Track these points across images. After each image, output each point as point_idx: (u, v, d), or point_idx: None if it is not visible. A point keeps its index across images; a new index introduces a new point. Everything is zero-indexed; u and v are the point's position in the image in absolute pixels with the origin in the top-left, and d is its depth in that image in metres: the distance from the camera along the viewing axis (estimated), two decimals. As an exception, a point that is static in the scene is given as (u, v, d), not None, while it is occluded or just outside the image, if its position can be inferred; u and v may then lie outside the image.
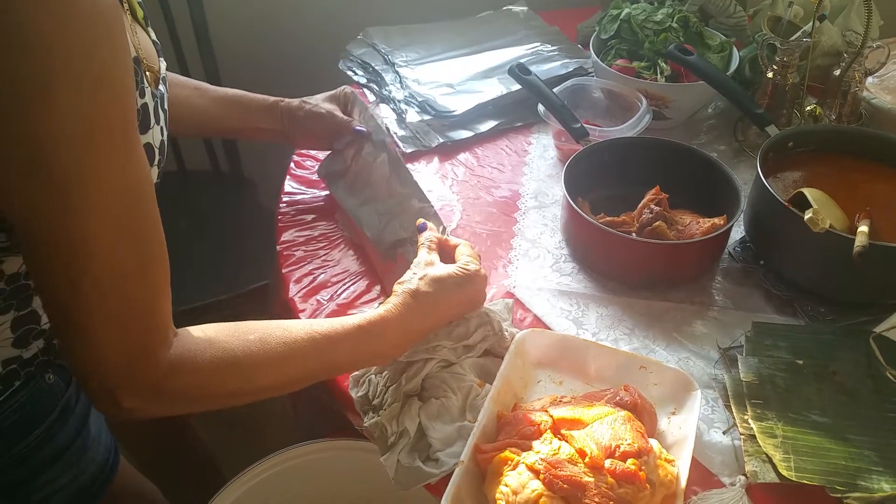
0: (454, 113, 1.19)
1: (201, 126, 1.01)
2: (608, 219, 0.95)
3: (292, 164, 1.16)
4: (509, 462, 0.68)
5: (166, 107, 0.71)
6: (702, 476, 0.73)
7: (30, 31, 0.47)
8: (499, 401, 0.76)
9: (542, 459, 0.67)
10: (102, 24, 0.50)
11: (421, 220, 0.86)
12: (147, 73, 0.66)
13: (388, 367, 0.81)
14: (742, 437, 0.72)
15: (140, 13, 0.68)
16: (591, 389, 0.79)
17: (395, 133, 1.18)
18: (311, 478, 0.90)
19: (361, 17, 1.46)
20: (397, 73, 1.29)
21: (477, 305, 0.81)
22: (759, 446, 0.70)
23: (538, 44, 1.36)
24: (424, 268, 0.77)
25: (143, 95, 0.63)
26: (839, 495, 0.66)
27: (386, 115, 1.22)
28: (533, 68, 1.16)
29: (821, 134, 0.96)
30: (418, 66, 1.30)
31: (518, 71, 1.11)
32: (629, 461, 0.66)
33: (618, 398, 0.75)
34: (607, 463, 0.66)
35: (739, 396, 0.76)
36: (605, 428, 0.69)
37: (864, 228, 0.79)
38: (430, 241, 0.81)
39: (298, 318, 0.90)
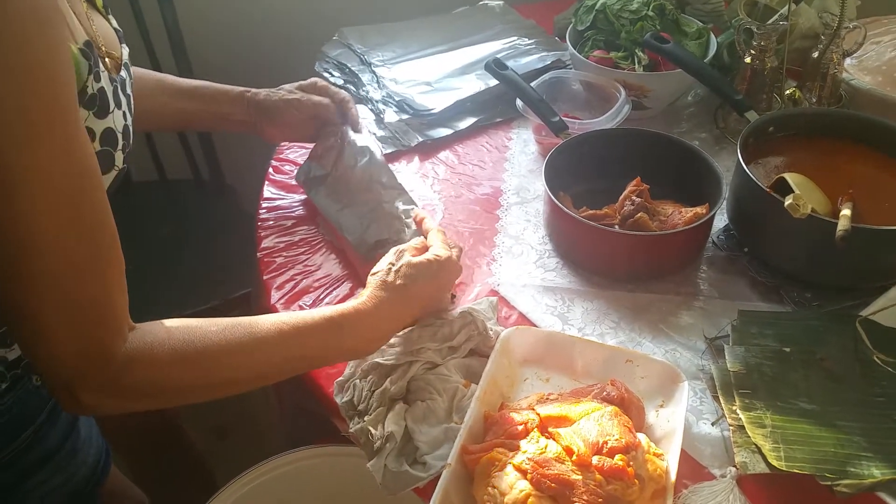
0: (433, 111, 1.18)
1: (165, 119, 0.99)
2: (590, 212, 0.94)
3: (270, 170, 1.15)
4: (496, 463, 0.67)
5: (129, 91, 0.70)
6: (692, 469, 0.72)
7: None
8: (485, 401, 0.76)
9: (529, 459, 0.66)
10: (31, 16, 0.49)
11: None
12: (106, 59, 0.66)
13: (372, 372, 0.80)
14: (731, 427, 0.72)
15: (99, 1, 0.68)
16: (579, 385, 0.79)
17: (374, 133, 1.17)
18: (302, 484, 0.89)
19: (336, 18, 1.45)
20: (374, 72, 1.28)
21: (446, 292, 0.81)
22: (748, 437, 0.70)
23: (515, 38, 1.35)
24: (397, 257, 0.77)
25: (98, 80, 0.62)
26: (829, 483, 0.65)
27: (364, 115, 1.21)
28: (510, 63, 1.15)
29: (801, 117, 0.96)
30: (395, 65, 1.29)
31: (495, 66, 1.11)
32: (617, 457, 0.65)
33: (605, 393, 0.74)
34: (595, 460, 0.65)
35: (727, 386, 0.75)
36: (593, 424, 0.69)
37: (846, 212, 0.78)
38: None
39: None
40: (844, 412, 0.72)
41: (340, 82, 1.29)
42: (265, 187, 1.11)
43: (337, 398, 0.80)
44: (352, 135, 1.01)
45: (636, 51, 1.16)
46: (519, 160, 1.14)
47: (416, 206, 0.93)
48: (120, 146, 0.66)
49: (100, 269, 0.57)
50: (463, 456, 0.70)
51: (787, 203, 0.77)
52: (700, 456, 0.73)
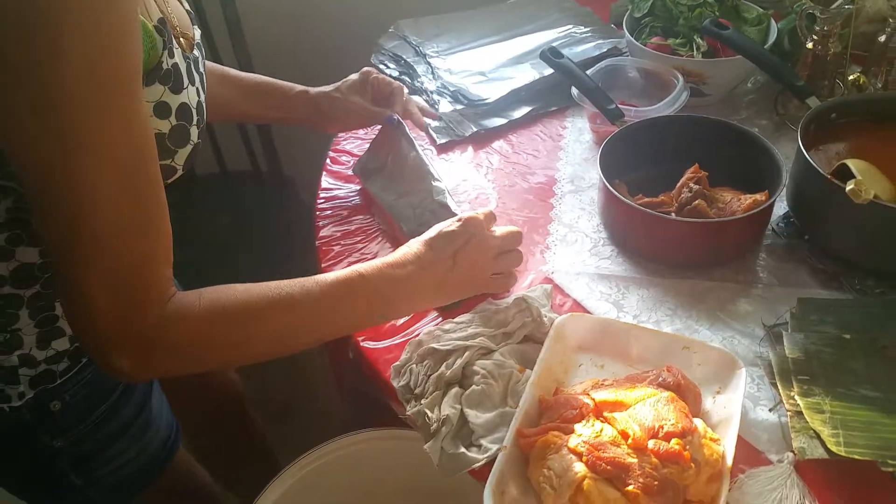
0: (487, 101, 1.20)
1: (226, 114, 1.04)
2: (646, 200, 0.95)
3: (328, 161, 1.18)
4: (552, 445, 0.69)
5: (202, 70, 0.74)
6: (748, 454, 0.73)
7: None
8: (540, 386, 0.78)
9: (584, 442, 0.68)
10: None
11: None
12: (180, 38, 0.70)
13: (428, 357, 0.83)
14: (789, 413, 0.72)
15: None
16: (633, 372, 0.80)
17: (429, 124, 1.19)
18: (360, 466, 0.93)
19: (393, 10, 1.48)
20: (429, 63, 1.30)
21: (482, 254, 0.80)
22: (807, 422, 0.70)
23: (571, 26, 1.35)
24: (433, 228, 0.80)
25: (172, 56, 0.65)
26: (892, 469, 0.65)
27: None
28: (566, 51, 1.16)
29: (865, 104, 0.94)
30: (450, 56, 1.31)
31: (550, 55, 1.12)
32: (673, 441, 0.66)
33: (660, 379, 0.75)
34: (651, 443, 0.66)
35: (785, 373, 0.75)
36: (648, 409, 0.70)
37: (909, 197, 0.77)
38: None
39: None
40: (908, 401, 0.71)
41: (396, 74, 1.32)
42: (323, 177, 1.15)
43: (394, 382, 0.83)
44: (406, 127, 1.04)
45: (694, 37, 1.16)
46: (573, 149, 1.15)
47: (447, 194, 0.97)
48: (195, 121, 0.70)
49: (148, 235, 0.60)
50: (518, 439, 0.72)
51: (848, 188, 0.76)
52: (757, 441, 0.74)
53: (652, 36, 1.21)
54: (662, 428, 0.68)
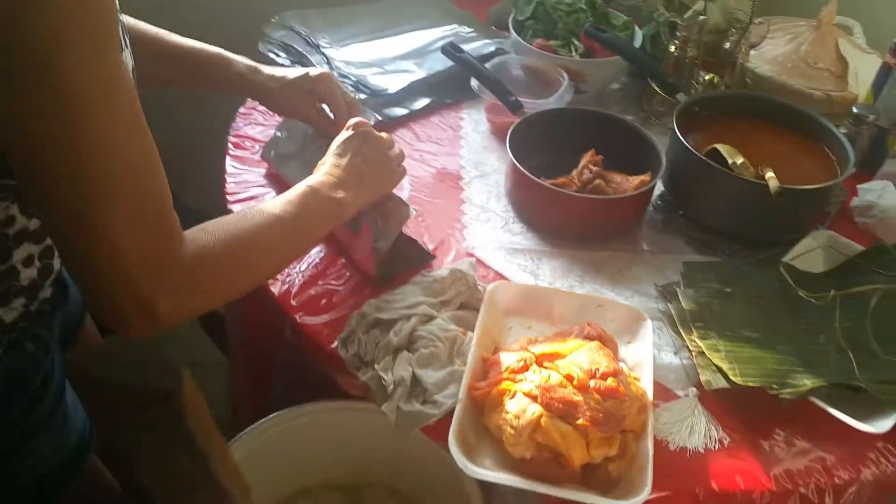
0: (388, 91, 1.25)
1: (156, 78, 0.98)
2: (550, 181, 1.06)
3: (230, 146, 1.18)
4: (507, 392, 0.77)
5: (128, 35, 0.73)
6: (660, 392, 0.85)
7: None
8: (481, 346, 0.85)
9: (537, 386, 0.76)
10: None
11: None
12: None
13: (374, 327, 0.87)
14: (692, 353, 0.86)
15: None
16: (558, 329, 0.90)
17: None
18: (306, 438, 0.95)
19: (271, 4, 1.48)
20: (323, 54, 1.33)
21: (383, 147, 0.90)
22: (709, 360, 0.84)
23: (455, 26, 1.44)
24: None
25: None
26: (776, 392, 0.80)
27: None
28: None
29: (722, 99, 1.13)
30: (343, 48, 1.35)
31: (451, 49, 1.20)
32: (609, 380, 0.77)
33: (584, 333, 0.86)
34: (592, 383, 0.76)
35: (685, 322, 0.89)
36: (583, 355, 0.80)
37: (771, 174, 0.95)
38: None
39: (272, 296, 0.93)
40: (779, 338, 0.88)
41: (288, 63, 1.33)
42: (227, 162, 1.14)
43: (342, 352, 0.87)
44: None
45: (573, 40, 1.30)
46: (472, 138, 1.24)
47: None
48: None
49: (158, 178, 0.61)
50: (471, 392, 0.80)
51: (739, 162, 0.92)
52: (665, 381, 0.87)
53: (535, 38, 1.33)
54: (598, 370, 0.78)
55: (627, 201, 1.02)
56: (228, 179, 1.12)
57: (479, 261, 1.01)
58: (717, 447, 0.80)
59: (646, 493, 0.71)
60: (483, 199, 1.11)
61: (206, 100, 1.16)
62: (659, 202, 1.10)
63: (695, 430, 0.81)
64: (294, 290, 0.94)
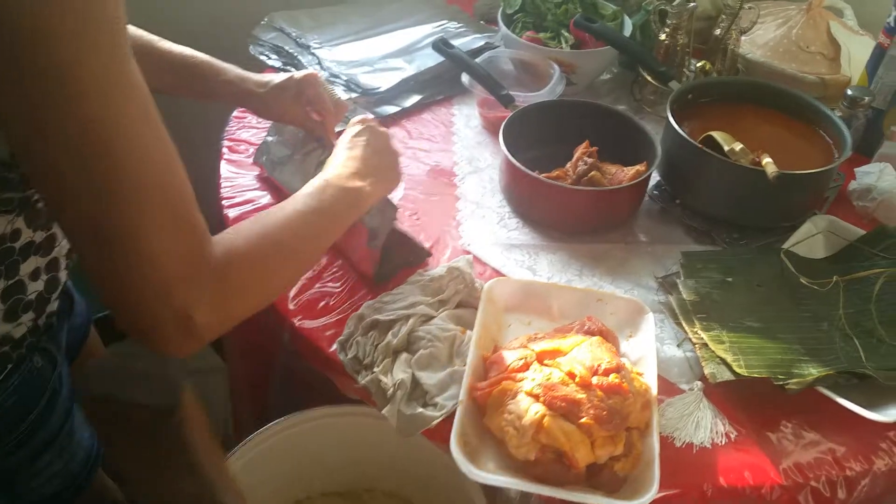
0: (380, 89, 1.21)
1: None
2: (545, 174, 1.02)
3: (225, 150, 1.14)
4: (509, 392, 0.74)
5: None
6: (664, 386, 0.82)
7: None
8: (481, 345, 0.82)
9: (538, 385, 0.73)
10: None
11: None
12: None
13: (373, 329, 0.84)
14: (695, 345, 0.82)
15: None
16: (558, 325, 0.86)
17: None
18: (301, 448, 0.91)
19: (258, 8, 1.43)
20: (314, 54, 1.29)
21: (387, 141, 0.87)
22: (713, 352, 0.80)
23: (444, 21, 1.40)
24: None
25: None
26: (782, 383, 0.77)
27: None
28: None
29: (716, 85, 1.09)
30: (334, 47, 1.31)
31: (442, 45, 1.16)
32: (612, 376, 0.73)
33: (585, 328, 0.82)
34: (594, 380, 0.73)
35: (687, 313, 0.86)
36: (585, 351, 0.76)
37: (768, 159, 0.91)
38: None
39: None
40: (782, 327, 0.84)
41: (279, 65, 1.30)
42: (222, 166, 1.11)
43: (341, 356, 0.83)
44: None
45: (562, 31, 1.26)
46: (465, 133, 1.20)
47: None
48: None
49: (181, 178, 0.56)
50: (472, 393, 0.76)
51: (738, 148, 0.88)
52: (669, 375, 0.83)
53: (524, 31, 1.29)
54: (601, 366, 0.74)
55: (623, 192, 0.98)
56: (223, 184, 1.08)
57: (475, 257, 0.97)
58: (723, 441, 0.76)
59: (653, 492, 0.68)
60: (478, 194, 1.08)
61: (200, 103, 1.12)
62: (655, 192, 1.07)
63: (701, 424, 0.77)
64: (291, 293, 0.91)
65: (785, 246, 0.93)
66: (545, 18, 1.27)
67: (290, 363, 0.92)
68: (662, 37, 1.18)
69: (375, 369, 0.80)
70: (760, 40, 1.25)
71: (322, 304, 0.90)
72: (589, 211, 1.00)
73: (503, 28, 1.26)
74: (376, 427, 0.80)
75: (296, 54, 1.30)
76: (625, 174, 1.01)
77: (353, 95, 1.21)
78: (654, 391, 0.77)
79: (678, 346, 0.85)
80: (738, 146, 0.92)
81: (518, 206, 1.04)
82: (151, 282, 0.54)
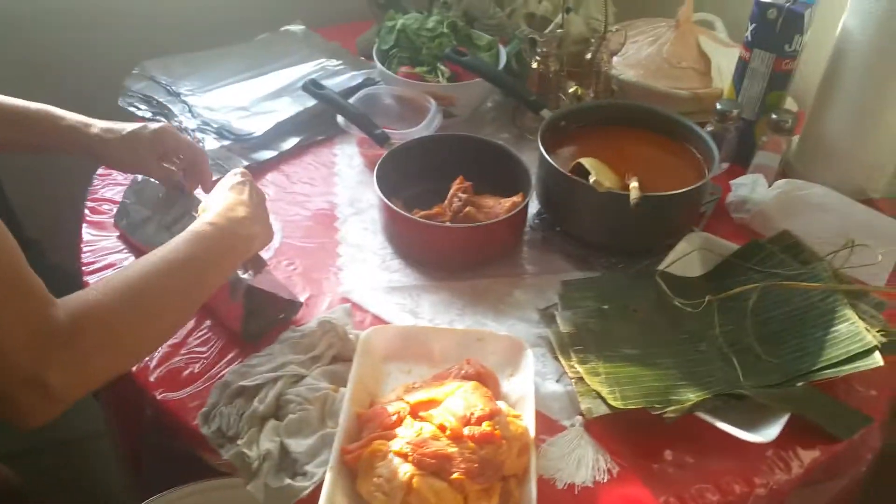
0: (254, 134, 1.16)
1: None
2: (423, 213, 0.98)
3: (87, 211, 1.06)
4: (378, 454, 0.69)
5: None
6: (545, 424, 0.79)
7: None
8: (355, 401, 0.77)
9: (408, 443, 0.69)
10: None
11: None
12: None
13: (237, 397, 0.78)
14: (572, 380, 0.80)
15: None
16: (438, 371, 0.82)
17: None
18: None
19: (134, 50, 1.36)
20: (185, 102, 1.23)
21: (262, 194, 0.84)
22: (588, 386, 0.77)
23: (323, 59, 1.36)
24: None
25: None
26: (659, 412, 0.75)
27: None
28: (325, 82, 1.17)
29: (586, 110, 1.08)
30: (206, 94, 1.25)
31: (312, 86, 1.12)
32: (484, 424, 0.70)
33: (462, 372, 0.78)
34: (466, 430, 0.69)
35: (563, 346, 0.83)
36: (458, 400, 0.73)
37: (634, 184, 0.90)
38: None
39: (129, 372, 0.83)
40: (659, 352, 0.82)
41: (149, 115, 1.23)
42: (84, 230, 1.03)
43: (203, 429, 0.77)
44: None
45: (438, 65, 1.23)
46: (347, 174, 1.16)
47: None
48: None
49: (9, 242, 0.55)
50: (343, 456, 0.71)
51: (591, 181, 0.86)
52: (550, 412, 0.80)
53: (400, 66, 1.26)
54: (473, 414, 0.71)
55: (499, 225, 0.96)
56: (84, 248, 1.00)
57: (354, 305, 0.92)
58: (605, 478, 0.73)
59: (532, 542, 0.64)
60: (359, 237, 1.03)
61: (64, 161, 1.04)
62: (537, 221, 1.05)
63: (582, 462, 0.74)
64: (153, 363, 0.84)
65: (660, 267, 0.91)
66: (420, 52, 1.25)
67: (157, 437, 0.85)
68: (535, 65, 1.17)
69: (240, 441, 0.74)
70: (633, 59, 1.25)
71: (187, 371, 0.83)
72: (467, 247, 0.97)
73: (378, 64, 1.23)
74: (251, 501, 0.74)
75: (166, 103, 1.23)
76: (502, 206, 0.98)
77: (226, 143, 1.16)
78: (533, 432, 0.74)
79: (557, 380, 0.83)
80: (593, 178, 0.90)
81: (398, 246, 1.01)
82: (2, 362, 0.53)
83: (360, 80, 1.29)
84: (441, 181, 1.03)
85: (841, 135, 1.10)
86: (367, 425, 0.74)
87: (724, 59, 1.28)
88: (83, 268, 0.97)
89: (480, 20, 1.34)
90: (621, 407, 0.75)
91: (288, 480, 0.72)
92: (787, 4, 1.06)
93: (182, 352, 0.85)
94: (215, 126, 1.17)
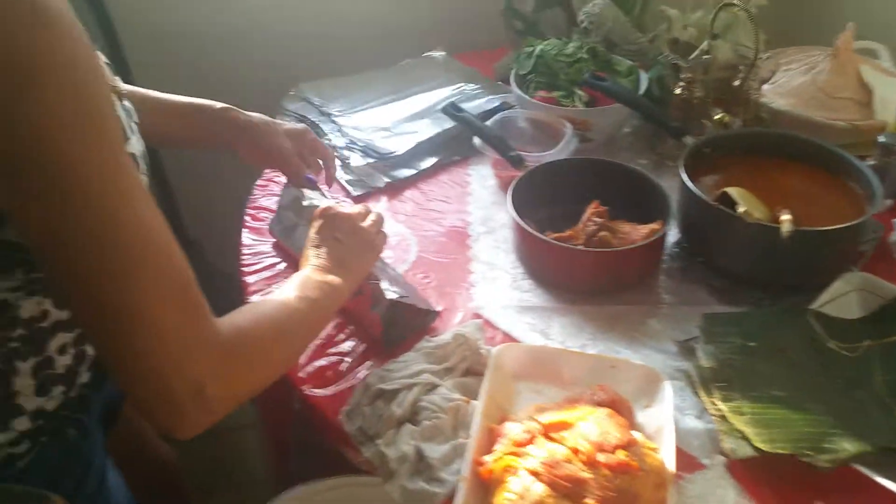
0: (396, 153, 1.20)
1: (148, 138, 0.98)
2: (556, 235, 0.97)
3: (247, 218, 1.13)
4: (510, 469, 0.68)
5: (136, 120, 0.71)
6: (683, 460, 0.74)
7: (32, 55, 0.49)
8: (487, 415, 0.76)
9: (541, 462, 0.67)
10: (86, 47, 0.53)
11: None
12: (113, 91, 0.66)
13: (377, 398, 0.79)
14: (714, 417, 0.75)
15: None
16: (569, 394, 0.80)
17: (342, 178, 1.18)
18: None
19: (292, 73, 1.45)
20: (334, 122, 1.29)
21: (355, 223, 0.84)
22: (732, 425, 0.72)
23: (461, 84, 1.39)
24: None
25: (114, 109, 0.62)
26: (810, 459, 0.68)
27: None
28: (463, 106, 1.18)
29: (732, 138, 1.03)
30: (354, 114, 1.31)
31: (452, 109, 1.14)
32: (619, 452, 0.67)
33: (595, 398, 0.76)
34: (601, 457, 0.66)
35: (705, 382, 0.78)
36: (592, 425, 0.70)
37: (787, 216, 0.84)
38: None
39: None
40: (811, 396, 0.76)
41: (302, 133, 1.30)
42: (244, 234, 1.09)
43: (346, 427, 0.79)
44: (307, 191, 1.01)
45: (575, 90, 1.22)
46: (480, 194, 1.17)
47: None
48: (141, 170, 0.66)
49: (181, 257, 0.58)
50: (476, 467, 0.70)
51: (740, 211, 0.81)
52: (689, 448, 0.76)
53: (537, 90, 1.25)
54: (608, 441, 0.68)
55: (636, 252, 0.92)
56: (244, 251, 1.07)
57: (486, 321, 0.92)
58: (747, 524, 0.68)
59: (666, 583, 0.60)
60: (491, 255, 1.03)
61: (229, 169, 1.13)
62: (676, 249, 1.00)
63: (722, 505, 0.69)
64: (301, 360, 0.87)
65: (813, 306, 0.84)
66: (558, 77, 1.24)
67: (303, 431, 0.88)
68: (678, 91, 1.13)
69: (379, 441, 0.75)
70: (784, 88, 1.18)
71: (331, 371, 0.86)
72: (601, 272, 0.94)
73: (515, 89, 1.23)
74: (387, 500, 0.74)
75: (318, 122, 1.30)
76: (638, 233, 0.95)
77: (370, 160, 1.20)
78: (672, 468, 0.70)
79: (698, 416, 0.78)
80: (741, 208, 0.85)
81: (530, 267, 0.99)
82: (164, 357, 0.55)
83: (496, 103, 1.30)
84: (573, 205, 1.01)
85: None
86: (498, 440, 0.73)
87: (889, 89, 1.19)
88: (242, 268, 1.02)
89: (621, 46, 1.31)
90: (768, 450, 0.69)
91: (423, 484, 0.72)
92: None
93: (328, 351, 0.88)
94: (361, 145, 1.22)
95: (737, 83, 1.11)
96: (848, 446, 0.69)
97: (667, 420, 0.75)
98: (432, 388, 0.80)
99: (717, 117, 1.10)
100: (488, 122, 1.17)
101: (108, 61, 0.72)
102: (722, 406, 0.74)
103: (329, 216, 0.83)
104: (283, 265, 1.03)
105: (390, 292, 0.86)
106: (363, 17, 1.63)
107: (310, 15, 1.61)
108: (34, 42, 0.49)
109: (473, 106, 1.29)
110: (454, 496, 0.68)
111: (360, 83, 1.41)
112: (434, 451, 0.74)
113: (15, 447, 0.68)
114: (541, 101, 1.21)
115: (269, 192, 1.18)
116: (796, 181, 0.98)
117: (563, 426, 0.71)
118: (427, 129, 1.25)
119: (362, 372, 0.85)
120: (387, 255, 1.00)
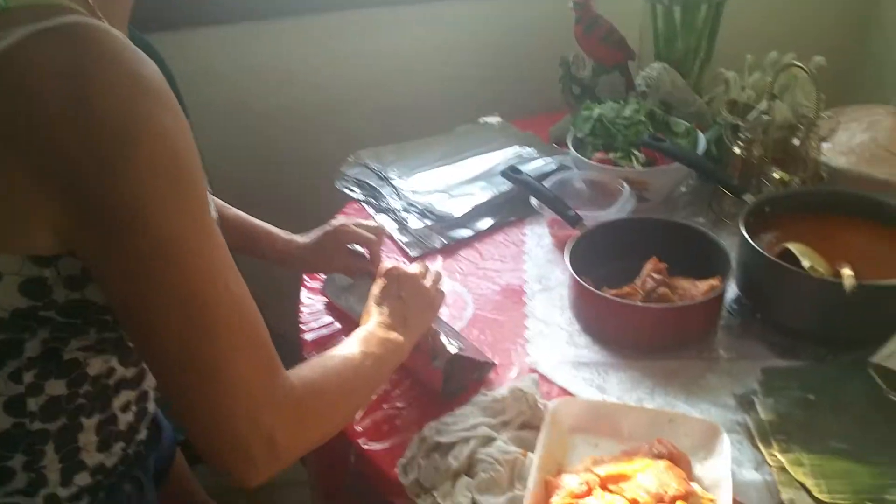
0: (453, 215, 1.31)
1: None
2: (614, 291, 1.04)
3: (305, 278, 1.24)
4: (569, 520, 0.74)
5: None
6: (742, 514, 0.79)
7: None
8: (543, 468, 0.82)
9: (599, 512, 0.72)
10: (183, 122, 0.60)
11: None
12: None
13: (434, 451, 0.87)
14: (773, 469, 0.80)
15: None
16: (626, 448, 0.86)
17: (400, 240, 1.29)
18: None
19: (350, 140, 1.60)
20: (392, 185, 1.41)
21: (417, 282, 0.94)
22: (791, 476, 0.77)
23: (517, 147, 1.50)
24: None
25: None
26: (872, 510, 0.73)
27: (387, 224, 1.33)
28: (519, 167, 1.29)
29: (792, 196, 1.10)
30: (411, 177, 1.43)
31: (510, 172, 1.24)
32: (678, 503, 0.72)
33: (654, 451, 0.81)
34: (659, 507, 0.72)
35: (764, 434, 0.83)
36: (650, 477, 0.76)
37: (849, 271, 0.90)
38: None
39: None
40: (873, 448, 0.80)
41: (361, 197, 1.43)
42: (302, 294, 1.21)
43: (402, 479, 0.86)
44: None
45: (633, 151, 1.32)
46: (535, 253, 1.26)
47: None
48: None
49: (257, 313, 0.64)
50: (532, 518, 0.77)
51: (806, 266, 0.88)
52: (747, 499, 0.80)
53: (594, 152, 1.36)
54: (667, 493, 0.73)
55: (695, 308, 0.99)
56: (303, 310, 1.17)
57: (542, 376, 0.99)
58: (810, 578, 0.72)
59: None
60: (546, 312, 1.11)
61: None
62: (735, 306, 1.06)
63: (783, 557, 0.73)
64: (359, 415, 0.96)
65: (874, 359, 0.89)
66: (616, 139, 1.34)
67: (358, 484, 0.95)
68: (737, 150, 1.22)
69: (436, 493, 0.83)
70: (844, 147, 1.25)
71: (387, 425, 0.94)
72: (660, 328, 1.01)
73: (572, 151, 1.34)
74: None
75: (377, 187, 1.42)
76: (698, 289, 1.02)
77: (428, 222, 1.31)
78: (730, 519, 0.75)
79: (756, 469, 0.82)
80: (807, 263, 0.91)
81: (587, 323, 1.07)
82: (239, 407, 0.61)
83: (553, 166, 1.41)
84: (630, 261, 1.08)
85: None
86: (555, 492, 0.79)
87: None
88: (301, 325, 1.13)
89: (678, 108, 1.41)
90: (828, 501, 0.74)
91: (478, 535, 0.78)
92: None
93: (384, 405, 0.97)
94: (419, 207, 1.33)
95: (796, 142, 1.19)
96: (913, 499, 0.73)
97: (724, 472, 0.80)
98: (489, 440, 0.88)
99: (777, 176, 1.17)
100: (545, 183, 1.28)
101: None
102: (781, 458, 0.79)
103: (393, 276, 0.93)
104: (337, 325, 1.13)
105: (451, 346, 0.95)
106: (420, 86, 1.79)
107: (367, 84, 1.77)
108: (135, 108, 0.55)
109: (531, 168, 1.40)
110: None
111: (418, 148, 1.55)
112: (490, 502, 0.81)
113: (75, 502, 0.74)
114: (598, 163, 1.32)
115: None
116: (855, 237, 1.03)
117: (622, 478, 0.78)
118: (483, 192, 1.36)
119: (417, 425, 0.93)
120: (443, 312, 1.10)
